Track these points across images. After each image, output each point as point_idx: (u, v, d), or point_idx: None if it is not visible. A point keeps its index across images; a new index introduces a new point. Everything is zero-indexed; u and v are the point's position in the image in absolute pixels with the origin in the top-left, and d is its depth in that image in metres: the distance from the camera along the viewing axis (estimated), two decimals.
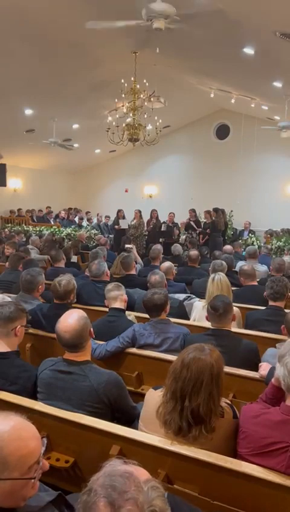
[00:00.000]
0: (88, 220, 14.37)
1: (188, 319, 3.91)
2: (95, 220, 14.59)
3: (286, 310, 3.46)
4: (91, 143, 13.75)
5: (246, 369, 2.58)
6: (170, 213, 11.76)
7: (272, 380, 1.84)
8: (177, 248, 7.80)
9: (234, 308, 3.70)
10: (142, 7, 5.63)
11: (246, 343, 2.79)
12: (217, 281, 3.63)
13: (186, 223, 11.38)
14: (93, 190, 17.11)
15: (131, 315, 3.52)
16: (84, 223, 13.89)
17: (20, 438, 1.11)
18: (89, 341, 2.22)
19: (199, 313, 3.79)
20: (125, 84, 8.32)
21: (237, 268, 5.29)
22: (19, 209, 13.97)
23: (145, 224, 11.59)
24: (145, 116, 8.85)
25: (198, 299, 4.22)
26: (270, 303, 3.55)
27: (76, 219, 14.36)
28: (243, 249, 8.60)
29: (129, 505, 0.83)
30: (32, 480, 1.11)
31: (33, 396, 2.16)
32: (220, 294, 3.15)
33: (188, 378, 1.69)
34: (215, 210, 10.39)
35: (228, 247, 7.43)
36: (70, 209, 15.68)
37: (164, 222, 11.51)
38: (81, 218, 14.21)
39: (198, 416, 1.66)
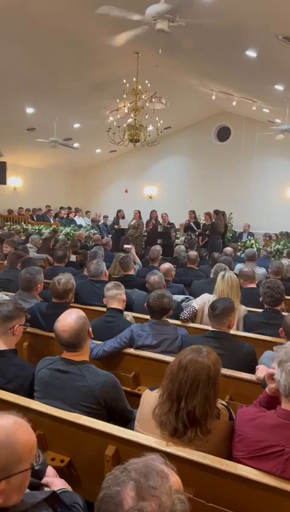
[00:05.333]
0: (93, 221, 14.00)
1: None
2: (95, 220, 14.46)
3: (284, 313, 3.47)
4: (92, 143, 13.74)
5: (244, 371, 2.58)
6: (162, 214, 11.41)
7: (267, 389, 1.83)
8: (179, 249, 7.80)
9: (242, 307, 3.71)
10: (146, 8, 5.63)
11: (244, 346, 2.80)
12: (228, 278, 3.64)
13: (186, 225, 11.35)
14: (93, 190, 17.10)
15: (129, 316, 3.52)
16: (84, 222, 13.82)
17: (25, 430, 1.16)
18: (88, 341, 2.22)
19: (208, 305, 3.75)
20: (127, 85, 8.32)
21: (235, 271, 5.29)
22: (19, 208, 13.95)
23: (145, 225, 11.56)
24: (146, 116, 8.85)
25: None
26: (267, 306, 3.56)
27: (76, 218, 14.32)
28: (241, 252, 8.61)
29: (152, 501, 0.85)
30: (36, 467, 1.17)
31: (30, 395, 2.16)
32: (226, 298, 3.14)
33: (185, 380, 1.69)
34: (216, 212, 10.36)
35: (228, 249, 7.44)
36: (76, 209, 15.61)
37: (160, 224, 11.45)
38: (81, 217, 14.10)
39: (194, 418, 1.66)
